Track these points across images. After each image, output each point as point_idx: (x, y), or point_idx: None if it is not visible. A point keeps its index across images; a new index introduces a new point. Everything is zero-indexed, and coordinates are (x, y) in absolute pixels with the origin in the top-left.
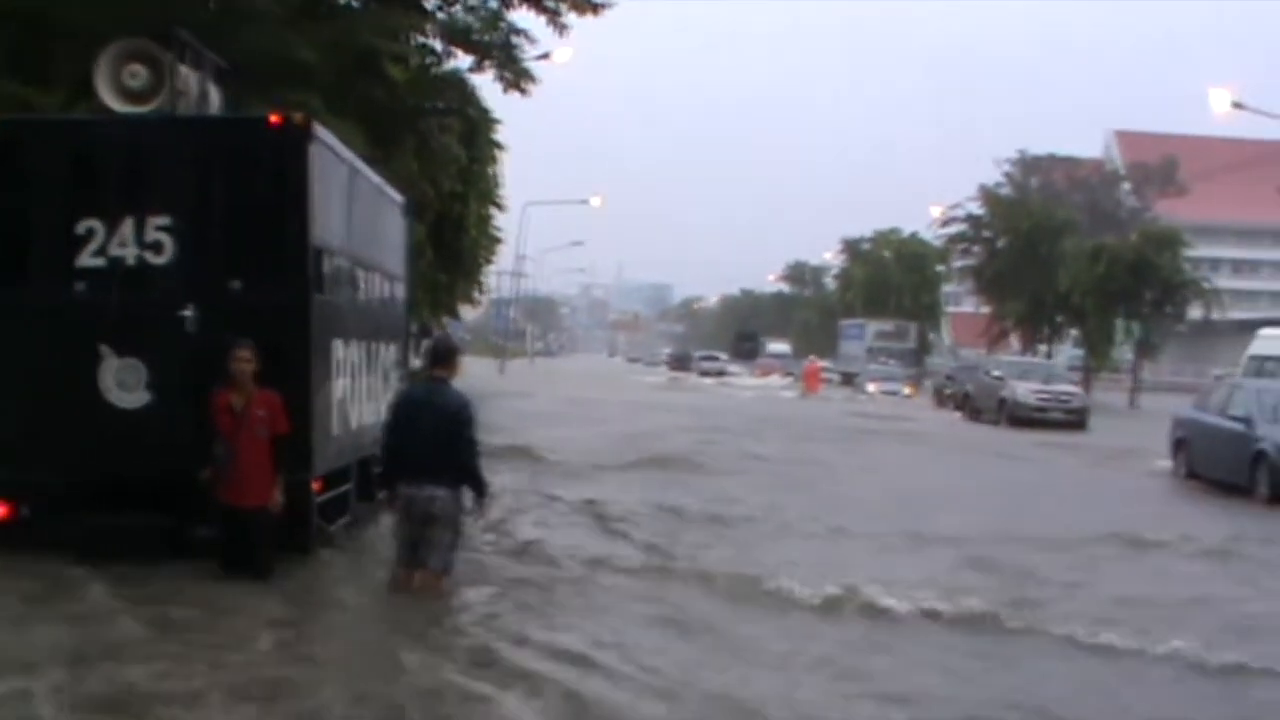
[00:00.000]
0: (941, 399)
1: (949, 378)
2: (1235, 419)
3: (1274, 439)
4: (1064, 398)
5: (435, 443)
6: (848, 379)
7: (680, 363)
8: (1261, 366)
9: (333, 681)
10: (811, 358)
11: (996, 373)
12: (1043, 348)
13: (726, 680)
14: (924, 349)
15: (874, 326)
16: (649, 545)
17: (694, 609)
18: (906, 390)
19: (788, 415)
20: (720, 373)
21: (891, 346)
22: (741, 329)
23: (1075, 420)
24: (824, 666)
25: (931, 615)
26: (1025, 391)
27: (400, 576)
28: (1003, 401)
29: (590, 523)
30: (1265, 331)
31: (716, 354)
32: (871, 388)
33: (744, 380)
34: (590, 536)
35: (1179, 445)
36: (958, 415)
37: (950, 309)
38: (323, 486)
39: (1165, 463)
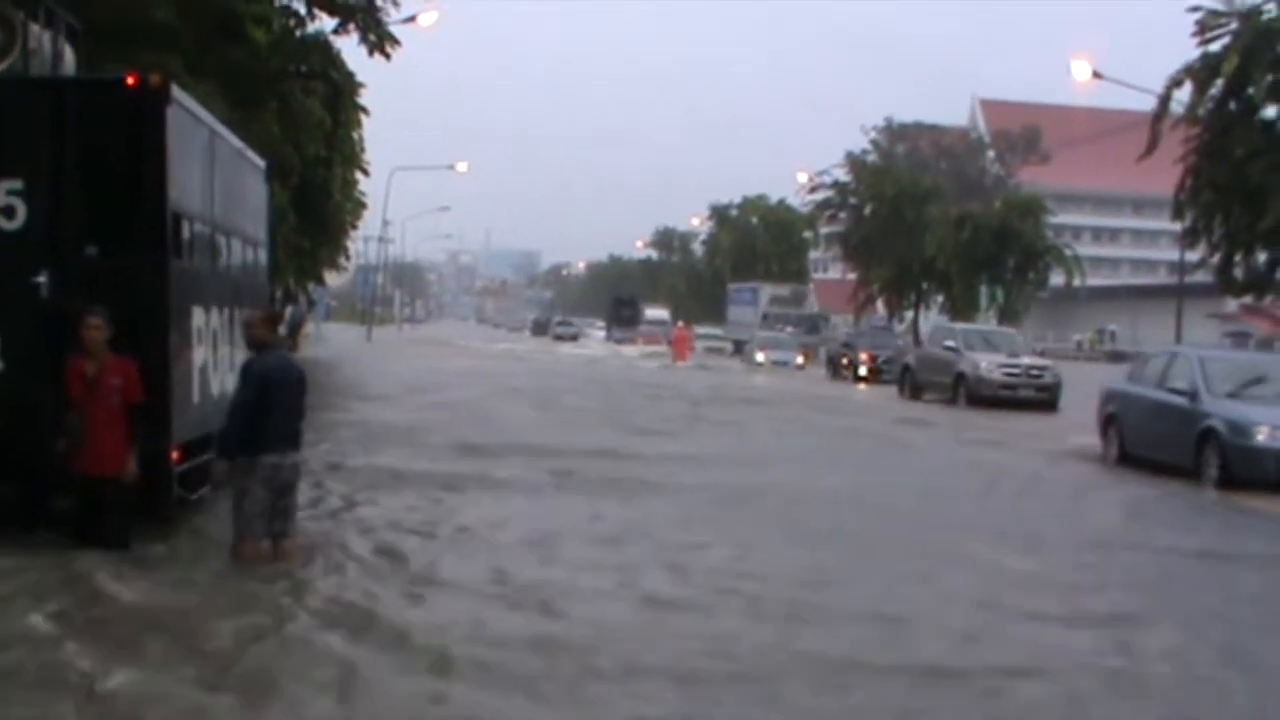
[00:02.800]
0: (838, 368)
1: (846, 345)
2: (1177, 392)
3: (1223, 414)
4: (1035, 373)
5: (298, 410)
6: (739, 347)
7: (542, 328)
8: None
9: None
10: (680, 324)
11: (950, 343)
12: (908, 314)
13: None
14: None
15: (768, 291)
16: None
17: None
18: (799, 359)
19: (620, 378)
20: (574, 338)
21: (788, 313)
22: (619, 295)
23: (1047, 399)
24: None
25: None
26: (990, 366)
27: (259, 548)
28: (961, 377)
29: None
30: None
31: (570, 320)
32: (760, 356)
33: (594, 347)
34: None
35: (1109, 422)
36: (888, 392)
37: (817, 275)
38: (182, 456)
39: (1083, 439)
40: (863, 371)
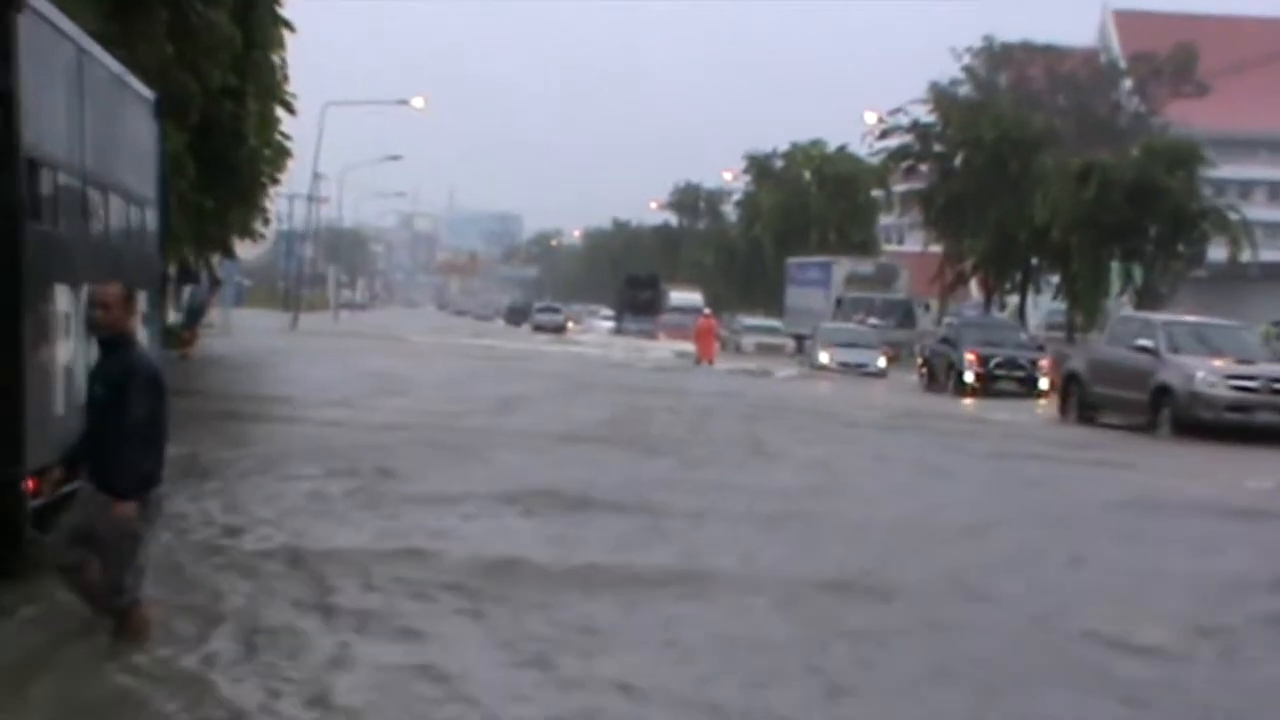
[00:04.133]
0: (935, 374)
1: (946, 341)
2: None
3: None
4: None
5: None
6: (802, 344)
7: (519, 316)
8: None
9: None
10: (706, 311)
11: (1145, 341)
12: (1011, 299)
13: None
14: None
15: (845, 267)
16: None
17: None
18: (880, 361)
19: (614, 383)
20: (558, 329)
21: (873, 298)
22: (635, 273)
23: None
24: None
25: None
26: (1211, 376)
27: (145, 615)
28: (1164, 392)
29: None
30: None
31: (555, 305)
32: (825, 357)
33: (595, 342)
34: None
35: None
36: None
37: (889, 248)
38: (38, 485)
39: None
40: (968, 378)
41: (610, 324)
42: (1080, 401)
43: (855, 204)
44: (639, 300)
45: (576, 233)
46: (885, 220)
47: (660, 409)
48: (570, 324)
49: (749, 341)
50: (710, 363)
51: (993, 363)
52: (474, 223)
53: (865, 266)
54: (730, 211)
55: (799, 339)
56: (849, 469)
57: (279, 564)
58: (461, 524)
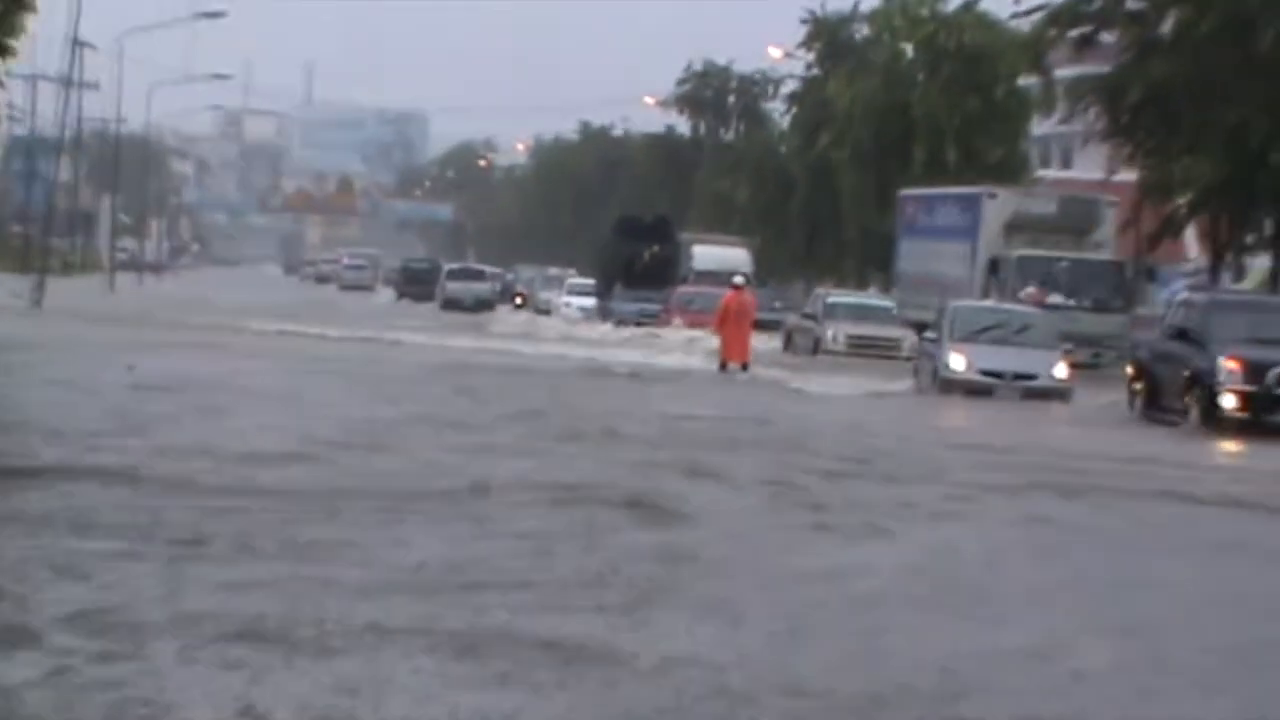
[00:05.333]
0: (1155, 395)
1: (1183, 336)
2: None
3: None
4: None
5: None
6: (926, 336)
7: (419, 285)
8: None
9: None
10: (738, 280)
11: None
12: (1257, 261)
13: None
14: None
15: (1007, 202)
16: None
17: None
18: (1058, 370)
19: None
20: (482, 305)
21: (1057, 259)
22: (631, 214)
23: None
24: None
25: None
26: None
27: None
28: None
29: None
30: None
31: (479, 268)
32: (960, 362)
33: (555, 335)
34: None
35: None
36: None
37: (1045, 173)
38: None
39: None
40: (1228, 404)
41: (587, 301)
42: None
43: (990, 99)
44: (638, 261)
45: (520, 145)
46: (1041, 128)
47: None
48: (518, 300)
49: (837, 333)
50: (743, 366)
51: (1273, 375)
52: (346, 128)
53: (1042, 202)
54: (779, 111)
55: (920, 328)
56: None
57: None
58: None
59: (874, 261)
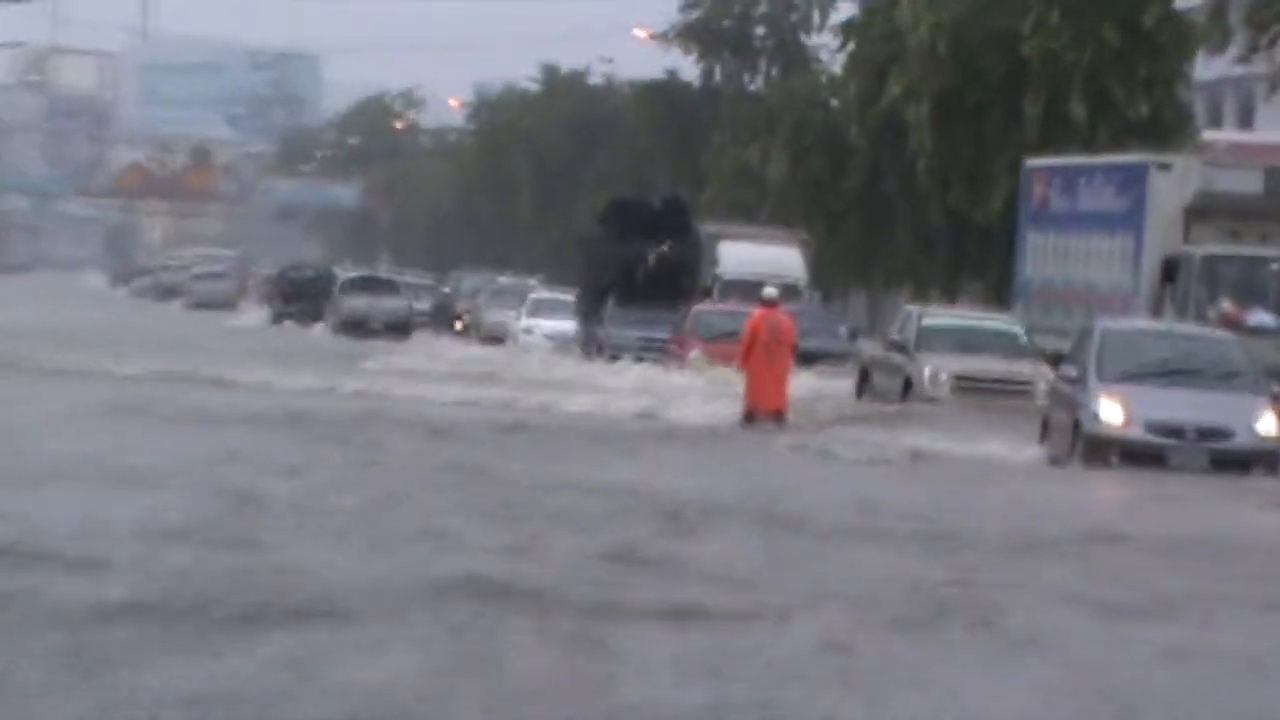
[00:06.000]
0: None
1: None
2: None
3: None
4: None
5: None
6: (1067, 371)
7: (304, 297)
8: None
9: None
10: (770, 294)
11: None
12: None
13: None
14: None
15: (1189, 172)
16: None
17: None
18: (1265, 424)
19: None
20: (395, 327)
21: (1269, 260)
22: (624, 196)
23: None
24: None
25: None
26: None
27: None
28: None
29: None
30: None
31: (388, 277)
32: (1117, 412)
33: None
34: None
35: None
36: None
37: (1215, 134)
38: None
39: None
40: None
41: (561, 325)
42: None
43: (1134, 29)
44: (639, 266)
45: (455, 101)
46: (1209, 70)
47: None
48: (460, 323)
49: (938, 371)
50: (777, 416)
51: None
52: (202, 75)
53: (1241, 175)
54: (828, 49)
55: (1056, 361)
56: None
57: None
58: None
59: (968, 264)
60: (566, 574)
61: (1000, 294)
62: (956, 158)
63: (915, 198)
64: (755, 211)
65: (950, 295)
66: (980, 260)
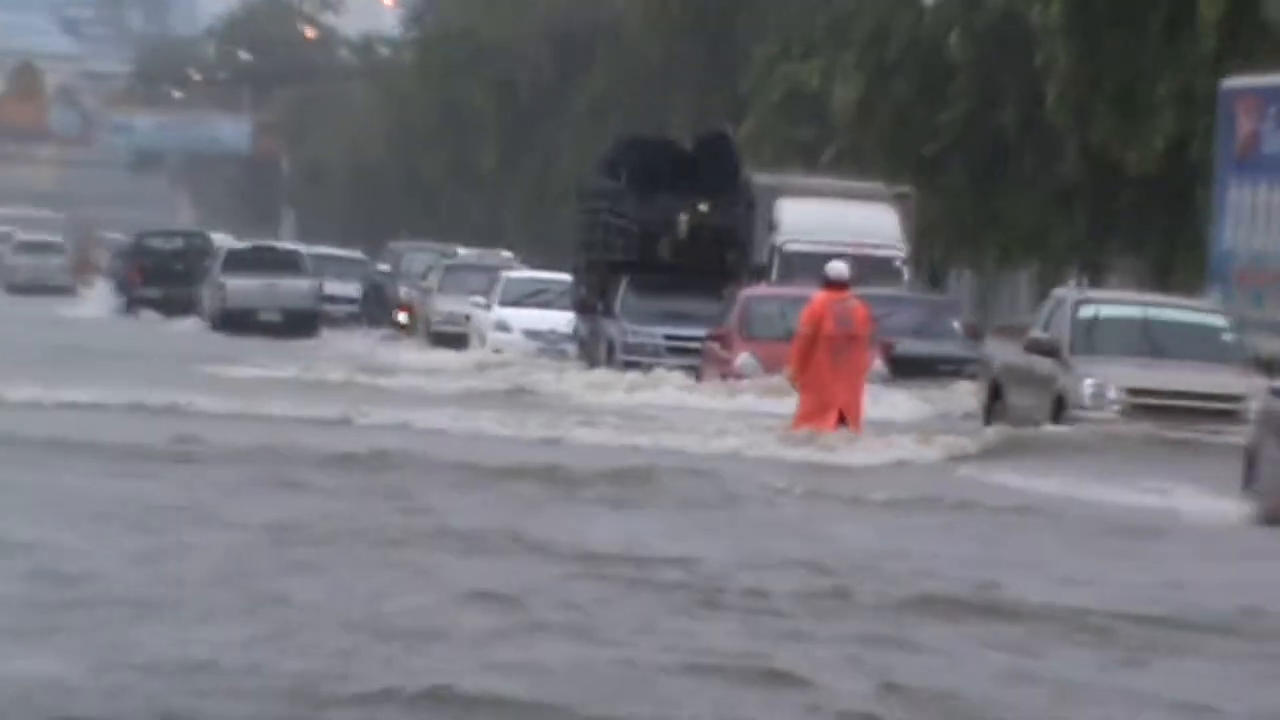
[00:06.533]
0: None
1: None
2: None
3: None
4: None
5: None
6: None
7: (170, 278)
8: None
9: None
10: (834, 273)
11: None
12: None
13: None
14: None
15: None
16: None
17: None
18: None
19: None
20: (298, 323)
21: None
22: (638, 132)
23: None
24: None
25: None
26: None
27: None
28: None
29: None
30: None
31: (289, 247)
32: None
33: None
34: None
35: None
36: None
37: None
38: None
39: None
40: None
41: (548, 319)
42: None
43: None
44: (666, 234)
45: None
46: None
47: None
48: (401, 316)
49: (1106, 384)
50: (855, 428)
51: None
52: None
53: None
54: None
55: (1270, 366)
56: None
57: None
58: None
59: (1119, 230)
60: None
61: (1163, 273)
62: (1101, 79)
63: (1042, 136)
64: (814, 154)
65: (1093, 274)
66: (1136, 225)
